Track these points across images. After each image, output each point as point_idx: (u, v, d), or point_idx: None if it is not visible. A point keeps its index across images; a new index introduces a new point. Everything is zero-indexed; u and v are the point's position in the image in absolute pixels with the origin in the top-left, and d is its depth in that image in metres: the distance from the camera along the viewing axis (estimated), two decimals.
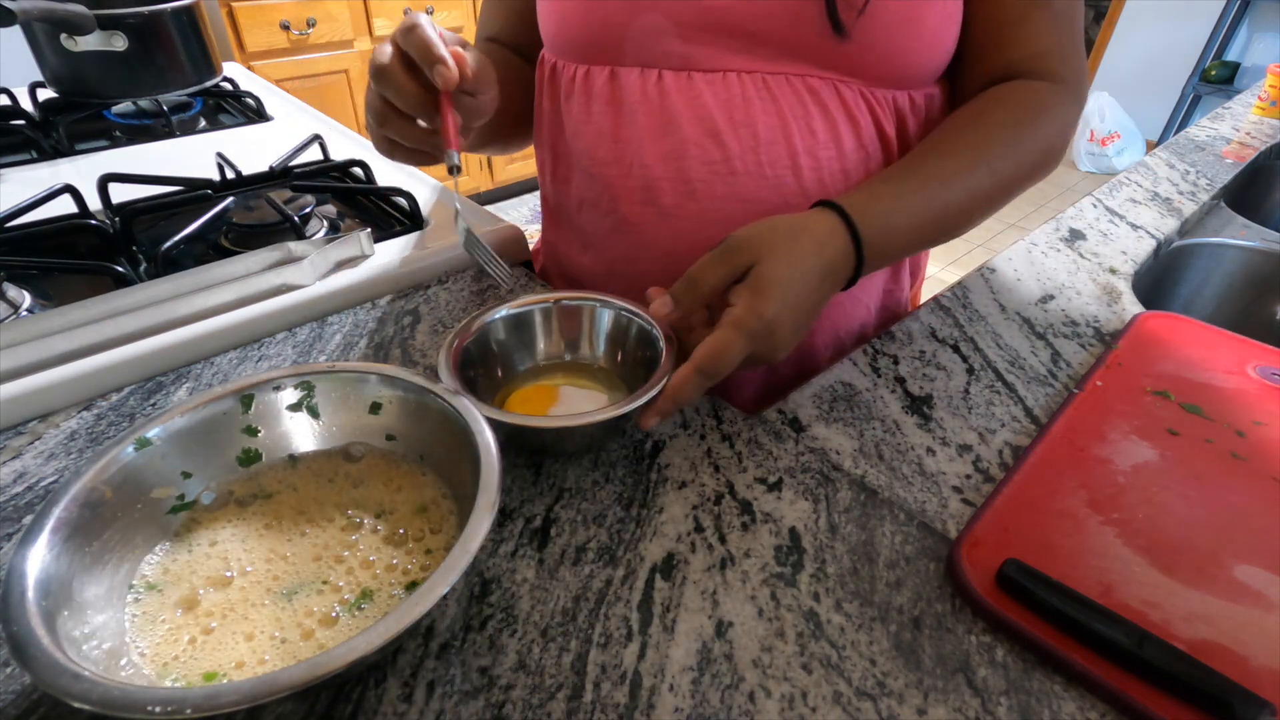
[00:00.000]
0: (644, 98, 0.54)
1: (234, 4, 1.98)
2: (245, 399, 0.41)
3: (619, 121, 0.56)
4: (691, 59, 0.52)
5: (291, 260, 0.61)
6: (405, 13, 0.50)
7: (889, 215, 0.49)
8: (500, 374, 0.50)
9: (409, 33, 0.46)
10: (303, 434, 0.42)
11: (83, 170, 0.83)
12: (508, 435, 0.42)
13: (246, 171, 0.77)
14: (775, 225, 0.46)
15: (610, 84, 0.55)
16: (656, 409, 0.42)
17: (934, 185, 0.50)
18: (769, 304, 0.42)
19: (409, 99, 0.47)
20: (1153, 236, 0.77)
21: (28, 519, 0.39)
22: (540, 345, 0.52)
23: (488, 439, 0.37)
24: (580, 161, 0.59)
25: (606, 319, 0.51)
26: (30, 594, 0.29)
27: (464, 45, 0.50)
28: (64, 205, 0.69)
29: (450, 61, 0.46)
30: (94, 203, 0.70)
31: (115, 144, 0.91)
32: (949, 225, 0.52)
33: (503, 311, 0.50)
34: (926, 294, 0.69)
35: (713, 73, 0.52)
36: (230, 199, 0.69)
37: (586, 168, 0.59)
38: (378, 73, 0.47)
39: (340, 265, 0.63)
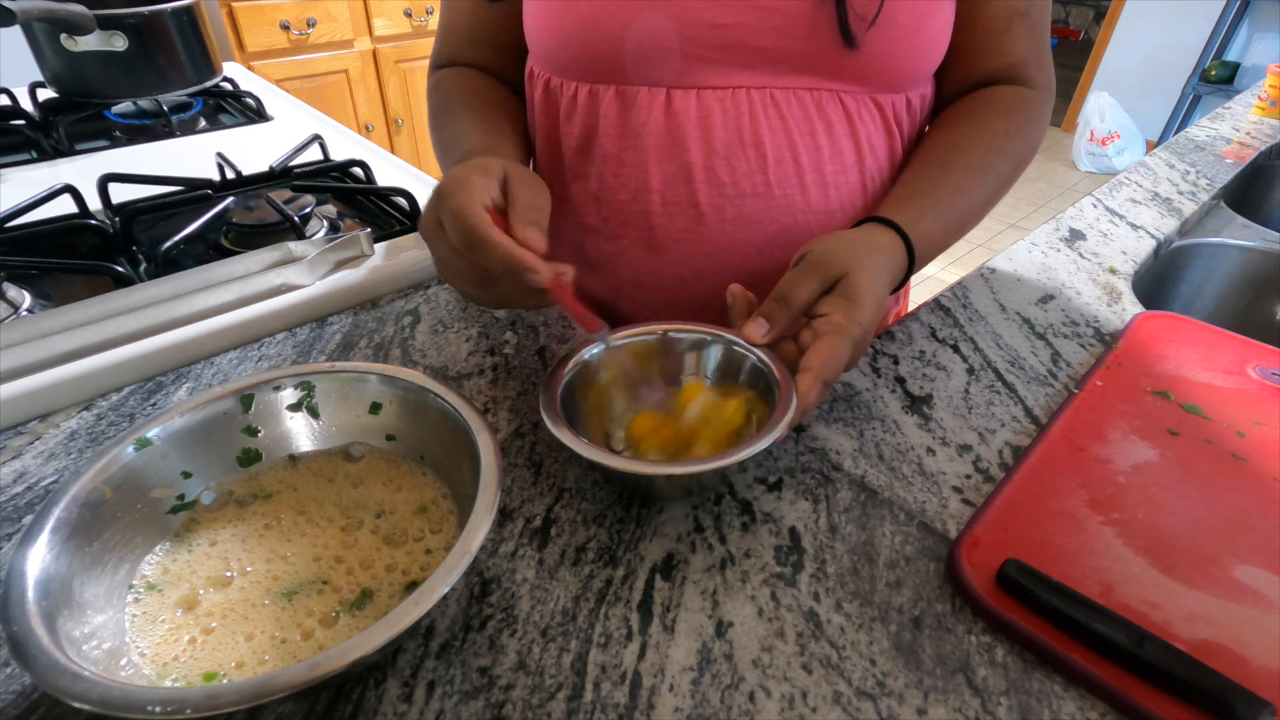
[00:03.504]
0: (650, 118, 0.53)
1: (234, 4, 1.98)
2: (245, 399, 0.41)
3: (624, 144, 0.54)
4: (699, 77, 0.51)
5: (291, 260, 0.61)
6: (446, 200, 0.41)
7: (931, 232, 0.51)
8: (600, 411, 0.46)
9: (474, 249, 0.41)
10: (303, 434, 0.42)
11: (83, 170, 0.83)
12: (620, 480, 0.41)
13: (246, 171, 0.77)
14: (852, 240, 0.47)
15: (617, 103, 0.54)
16: (790, 424, 0.41)
17: (957, 197, 0.53)
18: (864, 311, 0.44)
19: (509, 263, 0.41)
20: (1153, 236, 0.77)
21: (28, 519, 0.39)
22: (638, 384, 0.48)
23: (488, 439, 0.37)
24: (583, 184, 0.58)
25: (711, 354, 0.48)
26: (30, 594, 0.29)
27: (504, 181, 0.44)
28: (64, 205, 0.69)
29: (537, 263, 0.40)
30: (94, 203, 0.70)
31: (115, 144, 0.91)
32: (963, 232, 0.56)
33: (597, 349, 0.46)
34: (926, 294, 0.69)
35: (721, 90, 0.52)
36: (230, 199, 0.69)
37: (593, 191, 0.57)
38: (471, 244, 0.41)
39: (340, 265, 0.62)
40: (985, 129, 0.55)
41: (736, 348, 0.46)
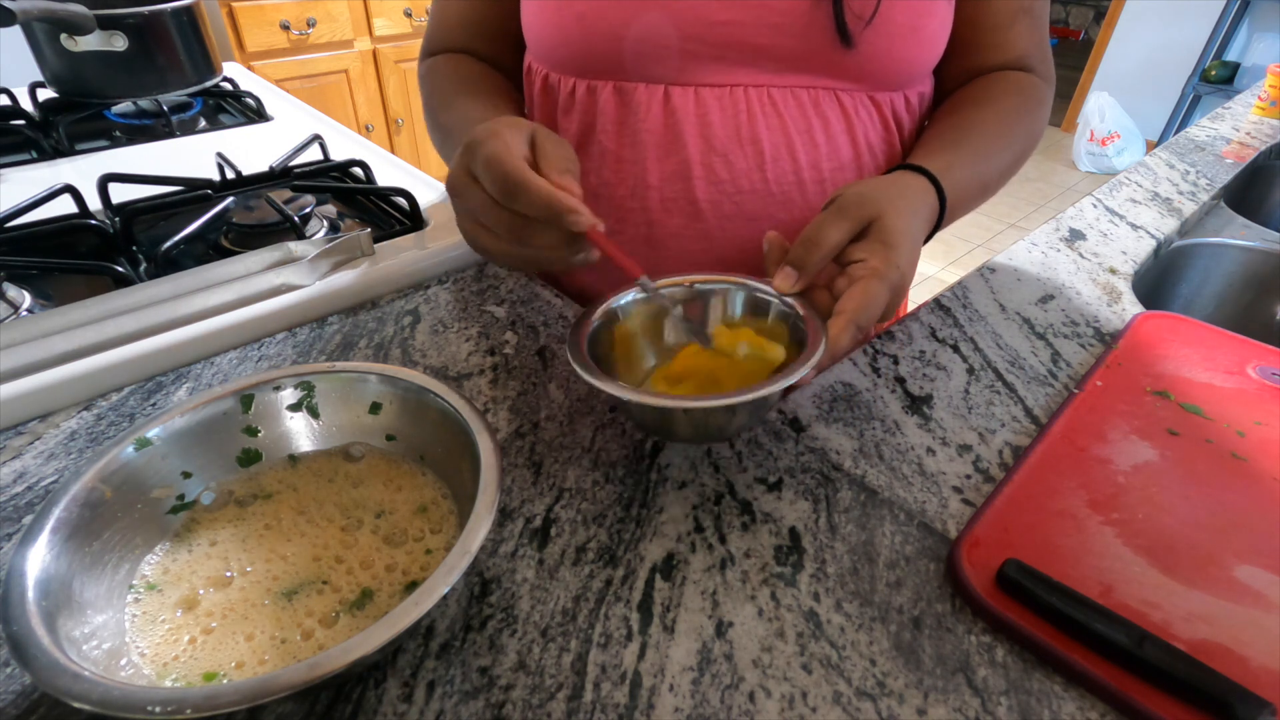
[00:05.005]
0: (649, 115, 0.53)
1: (234, 4, 1.98)
2: (245, 399, 0.41)
3: (622, 140, 0.54)
4: (697, 74, 0.51)
5: (291, 260, 0.61)
6: (480, 150, 0.40)
7: (960, 182, 0.51)
8: (629, 362, 0.47)
9: (514, 194, 0.39)
10: (303, 434, 0.42)
11: (83, 170, 0.83)
12: (651, 421, 0.41)
13: (246, 171, 0.77)
14: (881, 183, 0.46)
15: (615, 100, 0.54)
16: (819, 365, 0.40)
17: (981, 158, 0.53)
18: (900, 254, 0.42)
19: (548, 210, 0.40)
20: (1153, 236, 0.77)
21: (28, 519, 0.39)
22: (669, 331, 0.48)
23: (488, 439, 0.37)
24: (582, 180, 0.57)
25: (739, 301, 0.47)
26: (30, 594, 0.29)
27: (532, 137, 0.43)
28: (64, 205, 0.69)
29: (579, 204, 0.39)
30: (94, 203, 0.70)
31: (115, 144, 0.91)
32: (985, 195, 0.56)
33: (629, 297, 0.46)
34: (926, 294, 0.69)
35: (719, 88, 0.51)
36: (230, 199, 0.69)
37: (591, 188, 0.57)
38: (510, 190, 0.39)
39: (340, 265, 0.62)
40: (1001, 104, 0.56)
41: (763, 296, 0.45)
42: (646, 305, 0.47)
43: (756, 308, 0.46)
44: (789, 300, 0.44)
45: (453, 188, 0.44)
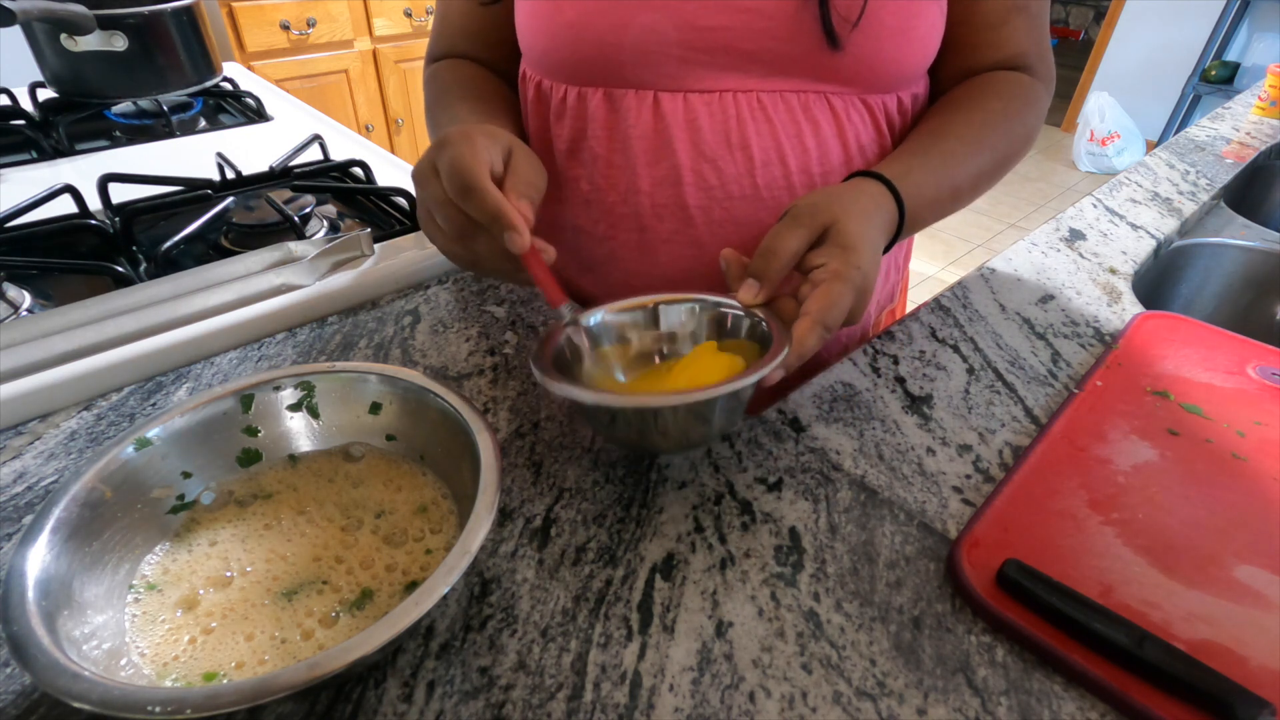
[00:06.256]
0: (639, 121, 0.53)
1: (234, 4, 1.98)
2: (245, 399, 0.41)
3: (613, 146, 0.54)
4: (686, 80, 0.51)
5: (291, 260, 0.61)
6: (447, 148, 0.42)
7: (920, 186, 0.50)
8: (595, 378, 0.46)
9: (465, 195, 0.41)
10: (303, 434, 0.42)
11: (83, 170, 0.83)
12: (621, 431, 0.42)
13: (246, 171, 0.77)
14: (835, 190, 0.47)
15: (605, 106, 0.54)
16: (785, 364, 0.40)
17: (950, 163, 0.53)
18: (860, 256, 0.43)
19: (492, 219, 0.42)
20: (1153, 236, 0.77)
21: (28, 519, 0.39)
22: (635, 346, 0.48)
23: (488, 439, 0.37)
24: (574, 186, 0.58)
25: (702, 317, 0.48)
26: (30, 594, 0.29)
27: (508, 153, 0.45)
28: (64, 205, 0.69)
29: (520, 223, 0.41)
30: (94, 203, 0.70)
31: (115, 144, 0.91)
32: (958, 201, 0.55)
33: (597, 316, 0.47)
34: (926, 294, 0.69)
35: (708, 94, 0.51)
36: (230, 199, 0.69)
37: (583, 194, 0.58)
38: (462, 191, 0.42)
39: (340, 265, 0.63)
40: (981, 106, 0.55)
41: (727, 309, 0.46)
42: (608, 331, 0.47)
43: (722, 321, 0.47)
44: (754, 311, 0.44)
45: (416, 177, 0.46)
